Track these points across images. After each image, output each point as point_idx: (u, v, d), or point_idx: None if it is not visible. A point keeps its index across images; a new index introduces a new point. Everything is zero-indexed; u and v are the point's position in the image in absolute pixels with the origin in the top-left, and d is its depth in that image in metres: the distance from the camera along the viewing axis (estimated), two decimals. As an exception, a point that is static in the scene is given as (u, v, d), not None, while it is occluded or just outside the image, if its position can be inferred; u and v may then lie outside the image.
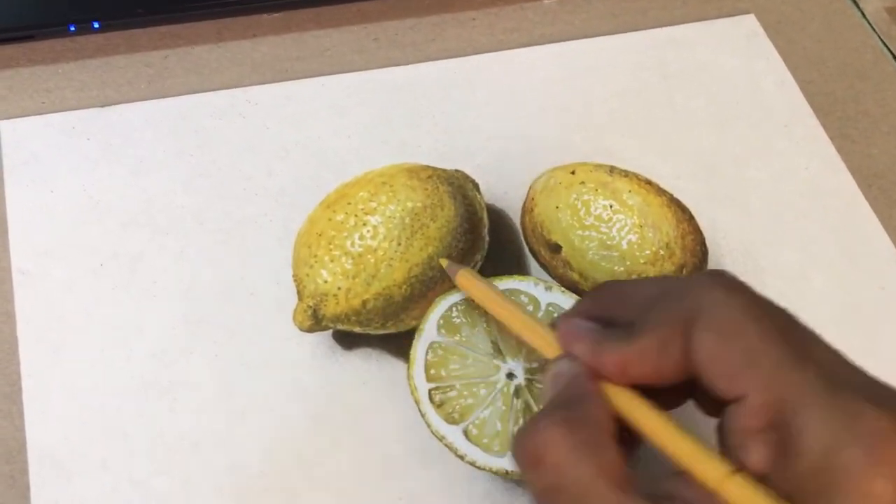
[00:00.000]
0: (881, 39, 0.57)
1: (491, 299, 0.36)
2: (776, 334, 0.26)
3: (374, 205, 0.39)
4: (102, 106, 0.49)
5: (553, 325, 0.33)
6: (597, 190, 0.42)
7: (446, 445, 0.37)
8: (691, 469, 0.26)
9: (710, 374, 0.26)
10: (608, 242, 0.40)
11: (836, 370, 0.26)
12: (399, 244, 0.38)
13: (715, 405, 0.28)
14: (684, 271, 0.40)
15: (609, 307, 0.32)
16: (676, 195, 0.43)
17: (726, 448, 0.27)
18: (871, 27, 0.58)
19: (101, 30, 0.51)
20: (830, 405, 0.24)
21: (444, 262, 0.39)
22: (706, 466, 0.26)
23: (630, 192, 0.41)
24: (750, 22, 0.56)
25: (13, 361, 0.41)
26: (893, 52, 0.56)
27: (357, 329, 0.40)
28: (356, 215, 0.39)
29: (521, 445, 0.27)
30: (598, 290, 0.33)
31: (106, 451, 0.39)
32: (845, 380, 0.25)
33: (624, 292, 0.32)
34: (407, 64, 0.52)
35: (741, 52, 0.55)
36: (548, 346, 0.32)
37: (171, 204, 0.46)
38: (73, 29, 0.50)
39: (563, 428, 0.26)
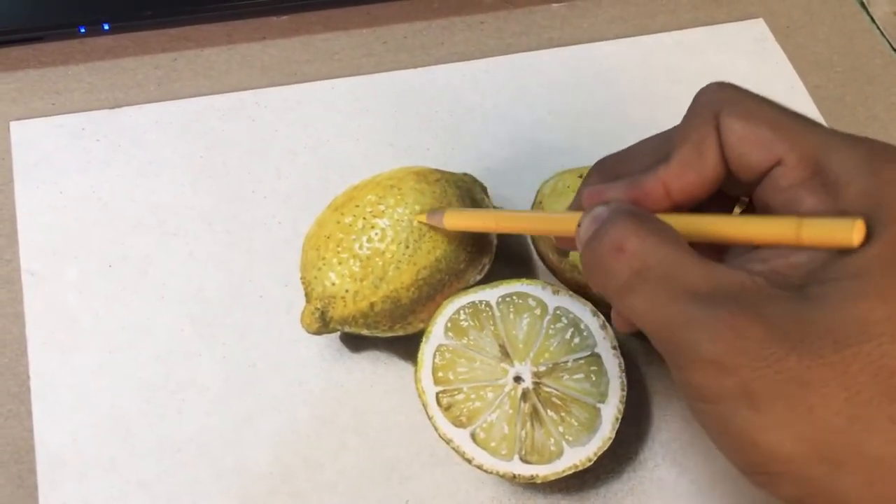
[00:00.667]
0: (890, 44, 0.57)
1: (493, 219, 0.37)
2: (789, 112, 0.29)
3: (382, 207, 0.39)
4: (112, 108, 0.49)
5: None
6: None
7: (453, 449, 0.37)
8: (765, 237, 0.28)
9: (745, 151, 0.28)
10: None
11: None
12: (407, 247, 0.38)
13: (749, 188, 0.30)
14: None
15: (618, 169, 0.33)
16: None
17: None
18: (881, 31, 0.57)
19: (111, 31, 0.51)
20: (856, 143, 0.27)
21: (423, 217, 0.39)
22: (776, 228, 0.27)
23: None
24: (759, 26, 0.56)
25: (22, 362, 0.41)
26: (903, 56, 0.56)
27: (365, 332, 0.40)
28: (364, 218, 0.39)
29: (598, 242, 0.28)
30: (599, 164, 0.35)
31: (114, 452, 0.39)
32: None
33: (626, 155, 0.34)
34: (415, 67, 0.52)
35: (750, 56, 0.55)
36: (574, 222, 0.32)
37: (180, 206, 0.46)
38: (82, 30, 0.50)
39: (636, 218, 0.28)
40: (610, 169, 0.34)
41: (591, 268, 0.29)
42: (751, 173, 0.29)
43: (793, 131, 0.28)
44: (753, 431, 0.25)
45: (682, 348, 0.26)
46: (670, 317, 0.26)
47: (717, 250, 0.31)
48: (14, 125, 0.47)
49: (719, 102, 0.29)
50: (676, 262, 0.27)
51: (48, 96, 0.49)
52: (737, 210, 0.33)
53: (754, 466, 0.25)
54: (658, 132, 0.33)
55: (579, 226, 0.31)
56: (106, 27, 0.50)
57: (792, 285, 0.26)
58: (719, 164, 0.29)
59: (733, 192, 0.31)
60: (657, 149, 0.32)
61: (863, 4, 0.59)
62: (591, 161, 0.46)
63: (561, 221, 0.33)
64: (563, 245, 0.36)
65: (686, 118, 0.31)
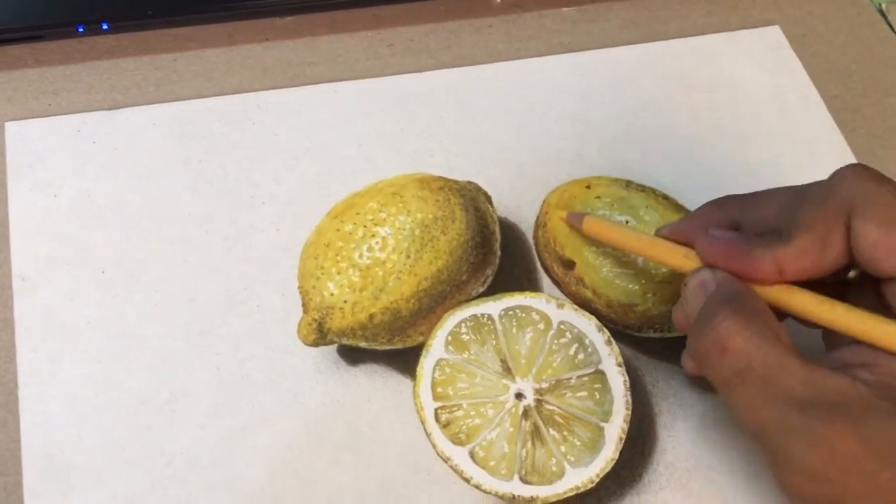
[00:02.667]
0: None
1: (621, 235, 0.38)
2: None
3: (383, 216, 0.39)
4: (110, 109, 0.48)
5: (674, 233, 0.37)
6: (612, 205, 0.41)
7: (451, 467, 0.36)
8: (873, 338, 0.29)
9: (877, 258, 0.29)
10: (623, 259, 0.40)
11: None
12: (408, 257, 0.38)
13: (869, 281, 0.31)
14: (701, 289, 0.39)
15: (734, 216, 0.35)
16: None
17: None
18: None
19: (110, 31, 0.51)
20: None
21: (563, 214, 0.41)
22: (889, 331, 0.28)
23: (647, 207, 0.41)
24: (775, 34, 0.55)
25: (10, 370, 0.41)
26: (922, 65, 0.55)
27: (363, 344, 0.39)
28: (365, 226, 0.39)
29: (702, 339, 0.30)
30: (720, 201, 0.36)
31: (102, 465, 0.39)
32: None
33: (750, 202, 0.35)
34: (421, 71, 0.52)
35: (765, 64, 0.54)
36: (688, 261, 0.34)
37: (177, 211, 0.45)
38: (81, 30, 0.50)
39: (740, 316, 0.29)
40: (730, 210, 0.36)
41: (696, 355, 0.30)
42: (880, 275, 0.30)
43: None
44: None
45: (777, 452, 0.28)
46: (768, 421, 0.28)
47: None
48: (9, 125, 0.47)
49: (854, 198, 0.30)
50: (778, 366, 0.28)
51: (45, 96, 0.48)
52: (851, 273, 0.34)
53: None
54: (782, 186, 0.35)
55: (684, 285, 0.33)
56: (105, 27, 0.50)
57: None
58: (842, 257, 0.30)
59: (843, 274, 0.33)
60: (780, 204, 0.33)
61: (882, 12, 0.58)
62: (597, 171, 0.46)
63: (672, 255, 0.35)
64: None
65: (815, 201, 0.31)
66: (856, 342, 0.30)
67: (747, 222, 0.34)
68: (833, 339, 0.32)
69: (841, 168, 0.31)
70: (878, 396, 0.27)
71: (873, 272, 0.30)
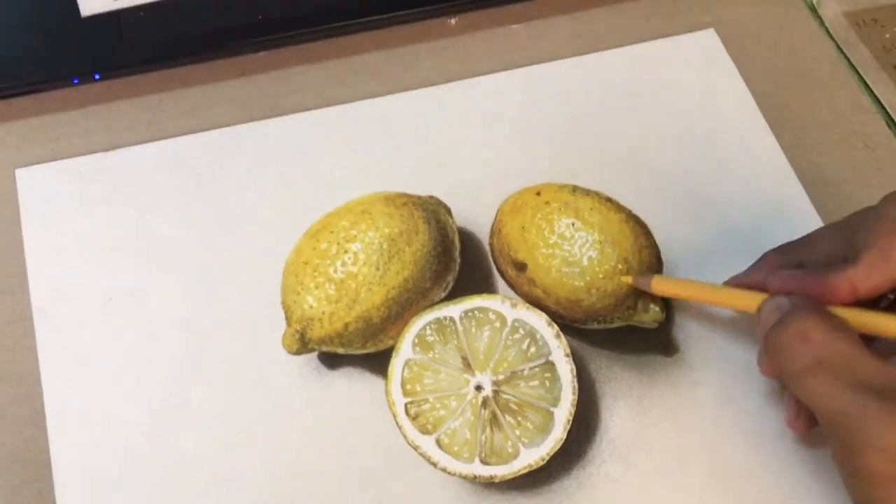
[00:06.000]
0: (838, 46, 0.58)
1: (691, 289, 0.42)
2: None
3: (354, 232, 0.41)
4: (107, 150, 0.51)
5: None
6: (560, 209, 0.43)
7: (420, 454, 0.39)
8: None
9: None
10: (570, 259, 0.42)
11: None
12: (377, 269, 0.41)
13: None
14: (640, 285, 0.42)
15: (795, 258, 0.38)
16: (636, 211, 0.44)
17: None
18: (829, 34, 0.58)
19: (102, 79, 0.54)
20: None
21: (629, 279, 0.42)
22: None
23: (591, 209, 0.43)
24: (710, 37, 0.58)
25: (37, 391, 0.44)
26: (849, 58, 0.57)
27: (340, 350, 0.42)
28: (338, 243, 0.41)
29: (784, 332, 0.32)
30: (778, 249, 0.40)
31: (121, 470, 0.43)
32: None
33: (806, 242, 0.39)
34: (384, 95, 0.54)
35: (701, 67, 0.56)
36: (754, 301, 0.37)
37: (175, 240, 0.49)
38: (76, 81, 0.53)
39: (820, 314, 0.32)
40: (791, 253, 0.39)
41: (775, 349, 0.33)
42: None
43: None
44: None
45: (854, 434, 0.29)
46: (846, 405, 0.30)
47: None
48: (19, 172, 0.50)
49: None
50: (854, 356, 0.31)
51: (48, 142, 0.51)
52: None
53: None
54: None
55: (759, 310, 0.35)
56: (97, 76, 0.53)
57: None
58: None
59: None
60: (832, 238, 0.37)
61: (812, 7, 0.60)
62: (550, 179, 0.47)
63: (744, 299, 0.38)
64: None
65: (871, 222, 0.35)
66: None
67: (809, 262, 0.38)
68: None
69: (891, 193, 0.35)
70: None
71: None
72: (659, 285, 0.42)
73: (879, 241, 0.34)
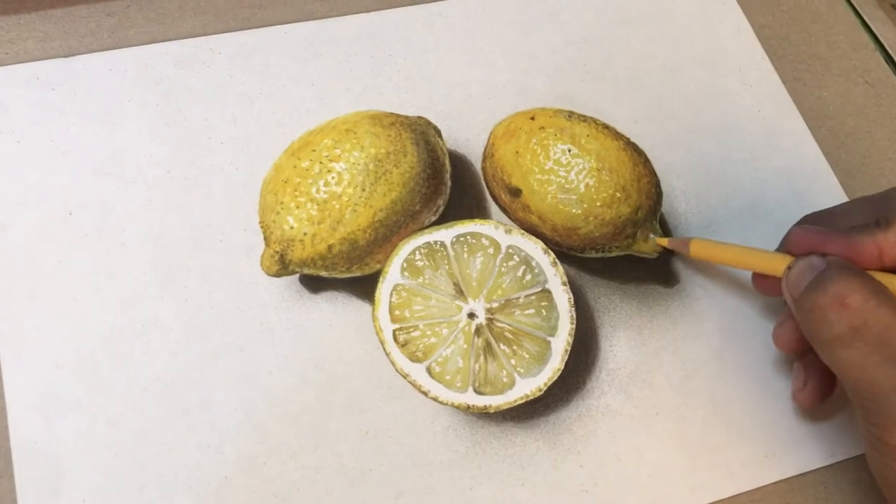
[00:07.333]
0: None
1: (724, 251, 0.39)
2: None
3: (338, 152, 0.40)
4: (66, 56, 0.48)
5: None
6: (556, 135, 0.42)
7: (410, 382, 0.38)
8: None
9: None
10: (566, 186, 0.41)
11: None
12: (363, 190, 0.39)
13: None
14: (639, 213, 0.41)
15: (825, 224, 0.36)
16: (633, 139, 0.44)
17: None
18: None
19: None
20: None
21: (665, 241, 0.41)
22: None
23: (588, 136, 0.42)
24: None
25: None
26: (847, -6, 0.57)
27: (323, 273, 0.41)
28: (321, 162, 0.40)
29: (820, 295, 0.30)
30: (806, 217, 0.38)
31: (81, 393, 0.40)
32: None
33: (836, 212, 0.37)
34: (369, 11, 0.52)
35: None
36: (781, 263, 0.35)
37: (138, 153, 0.46)
38: None
39: (860, 277, 0.30)
40: (820, 221, 0.37)
41: (808, 312, 0.31)
42: None
43: None
44: None
45: (883, 409, 0.28)
46: (880, 378, 0.28)
47: None
48: None
49: None
50: (893, 327, 0.29)
51: (1, 46, 0.48)
52: None
53: None
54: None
55: (789, 268, 0.33)
56: None
57: None
58: None
59: None
60: (863, 210, 0.34)
61: None
62: (543, 103, 0.47)
63: (771, 260, 0.36)
64: (760, 286, 0.39)
65: None
66: None
67: (842, 222, 0.36)
68: None
69: None
70: None
71: None
72: (698, 248, 0.40)
73: None
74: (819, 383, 0.37)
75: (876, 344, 0.28)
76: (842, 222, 0.36)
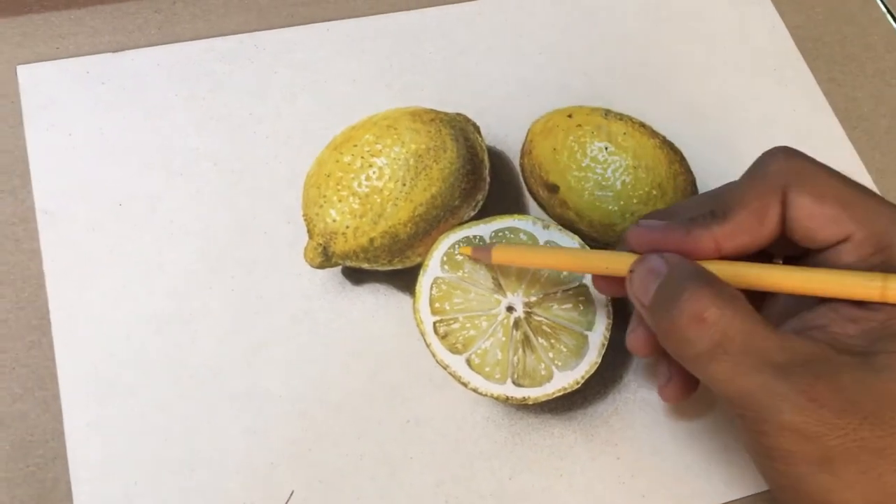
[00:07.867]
0: None
1: (534, 256, 0.38)
2: (857, 186, 0.31)
3: (379, 147, 0.40)
4: (115, 51, 0.49)
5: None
6: (593, 132, 0.42)
7: (450, 374, 0.39)
8: (842, 291, 0.30)
9: (814, 227, 0.31)
10: (603, 183, 0.42)
11: None
12: (404, 185, 0.40)
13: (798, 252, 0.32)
14: (675, 211, 0.42)
15: (668, 214, 0.35)
16: (669, 138, 0.44)
17: None
18: None
19: None
20: None
21: (468, 251, 0.40)
22: (859, 284, 0.29)
23: (625, 134, 0.42)
24: None
25: (41, 295, 0.42)
26: (881, -4, 0.57)
27: (365, 265, 0.41)
28: (363, 157, 0.40)
29: (675, 314, 0.29)
30: (646, 215, 0.36)
31: (132, 379, 0.41)
32: None
33: (676, 207, 0.35)
34: (410, 9, 0.53)
35: None
36: (618, 262, 0.34)
37: (185, 146, 0.47)
38: None
39: (711, 288, 0.29)
40: (663, 212, 0.36)
41: (667, 333, 0.30)
42: (813, 245, 0.31)
43: (862, 209, 0.30)
44: (827, 493, 0.27)
45: (764, 416, 0.28)
46: (753, 387, 0.28)
47: (754, 299, 0.32)
48: (21, 69, 0.48)
49: (788, 175, 0.31)
50: (754, 334, 0.28)
51: (52, 40, 0.49)
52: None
53: None
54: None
55: (632, 271, 0.32)
56: None
57: (853, 352, 0.28)
58: (776, 231, 0.31)
59: (773, 249, 0.34)
60: (704, 205, 0.33)
61: None
62: (580, 101, 0.47)
63: (609, 260, 0.34)
64: (601, 286, 0.37)
65: (748, 182, 0.32)
66: (798, 311, 0.31)
67: (683, 213, 0.34)
68: (777, 310, 0.34)
69: (771, 150, 0.32)
70: (839, 352, 0.28)
71: (808, 243, 0.31)
72: (499, 254, 0.38)
73: (755, 202, 0.31)
74: (682, 379, 0.36)
75: (741, 354, 0.28)
76: (687, 211, 0.34)
